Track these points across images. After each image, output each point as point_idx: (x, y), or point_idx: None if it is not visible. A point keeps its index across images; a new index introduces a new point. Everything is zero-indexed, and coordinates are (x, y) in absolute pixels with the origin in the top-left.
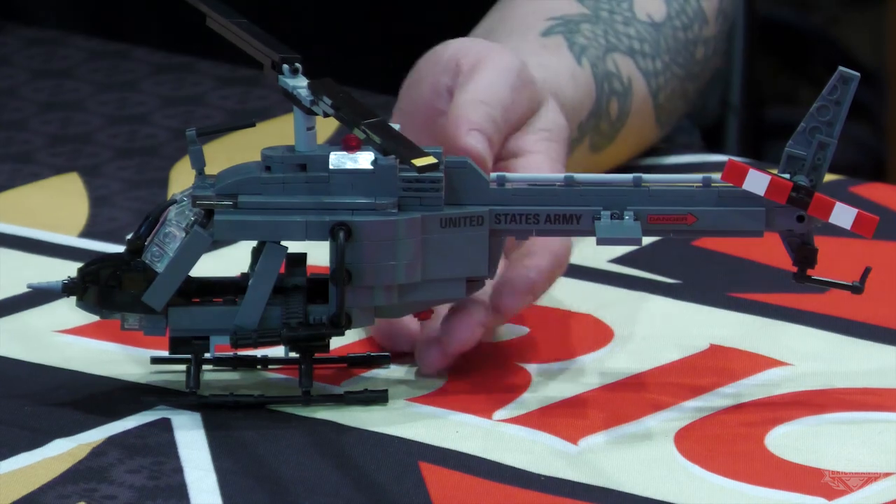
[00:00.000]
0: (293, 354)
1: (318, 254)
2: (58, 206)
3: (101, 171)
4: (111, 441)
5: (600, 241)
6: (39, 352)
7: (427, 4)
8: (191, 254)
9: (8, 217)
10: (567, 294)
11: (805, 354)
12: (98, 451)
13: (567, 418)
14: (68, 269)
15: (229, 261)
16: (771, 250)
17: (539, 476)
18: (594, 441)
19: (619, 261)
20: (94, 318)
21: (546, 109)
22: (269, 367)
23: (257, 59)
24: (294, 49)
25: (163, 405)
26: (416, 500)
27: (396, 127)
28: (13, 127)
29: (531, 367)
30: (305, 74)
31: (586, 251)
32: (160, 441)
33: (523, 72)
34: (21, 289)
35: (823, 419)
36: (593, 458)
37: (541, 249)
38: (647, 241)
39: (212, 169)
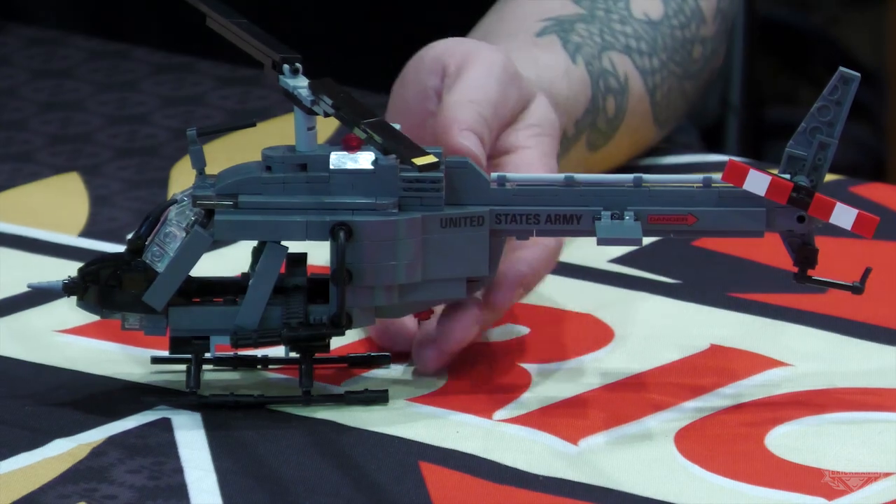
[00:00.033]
0: (293, 354)
1: (319, 254)
2: (58, 205)
3: (101, 171)
4: (111, 441)
5: (601, 242)
6: (40, 351)
7: (427, 4)
8: (191, 254)
9: (8, 217)
10: (567, 294)
11: (805, 354)
12: (98, 451)
13: (567, 418)
14: (68, 269)
15: (229, 261)
16: (771, 250)
17: (539, 476)
18: (594, 441)
19: (619, 261)
20: (95, 317)
21: (536, 105)
22: (270, 367)
23: (257, 59)
24: (294, 49)
25: (163, 405)
26: (417, 500)
27: (397, 126)
28: (13, 127)
29: (531, 367)
30: (306, 74)
31: (586, 251)
32: (160, 441)
33: (509, 66)
34: (21, 288)
35: (823, 419)
36: (593, 458)
37: (531, 243)
38: (647, 241)
39: (212, 169)
